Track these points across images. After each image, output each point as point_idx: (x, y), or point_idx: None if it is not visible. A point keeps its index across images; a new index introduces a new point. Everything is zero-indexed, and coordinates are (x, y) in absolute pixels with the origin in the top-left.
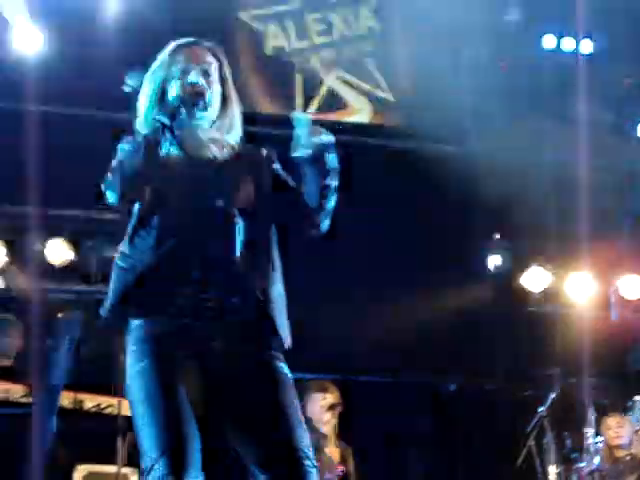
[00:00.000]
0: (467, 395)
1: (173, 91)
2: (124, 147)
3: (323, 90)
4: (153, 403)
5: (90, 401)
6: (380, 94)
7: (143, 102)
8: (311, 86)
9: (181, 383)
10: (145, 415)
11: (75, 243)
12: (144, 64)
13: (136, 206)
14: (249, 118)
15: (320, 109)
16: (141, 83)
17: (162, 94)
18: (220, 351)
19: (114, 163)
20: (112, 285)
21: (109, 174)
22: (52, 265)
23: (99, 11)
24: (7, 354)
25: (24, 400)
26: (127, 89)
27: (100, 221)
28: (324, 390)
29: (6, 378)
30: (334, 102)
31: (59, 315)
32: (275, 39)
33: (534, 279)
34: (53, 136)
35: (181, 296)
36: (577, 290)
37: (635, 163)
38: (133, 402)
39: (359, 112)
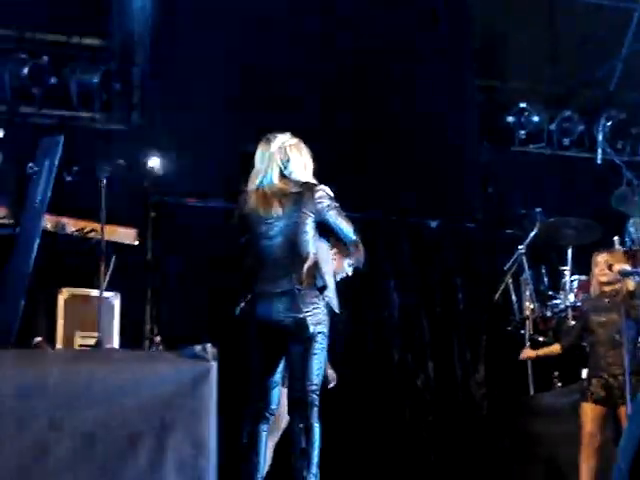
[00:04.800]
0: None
1: None
2: None
3: None
4: None
5: (73, 225)
6: None
7: None
8: None
9: None
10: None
11: (56, 68)
12: None
13: None
14: None
15: None
16: None
17: None
18: None
19: None
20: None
21: None
22: (33, 89)
23: None
24: None
25: (6, 222)
26: None
27: (81, 46)
28: None
29: None
30: None
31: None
32: None
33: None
34: None
35: None
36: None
37: None
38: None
39: None
